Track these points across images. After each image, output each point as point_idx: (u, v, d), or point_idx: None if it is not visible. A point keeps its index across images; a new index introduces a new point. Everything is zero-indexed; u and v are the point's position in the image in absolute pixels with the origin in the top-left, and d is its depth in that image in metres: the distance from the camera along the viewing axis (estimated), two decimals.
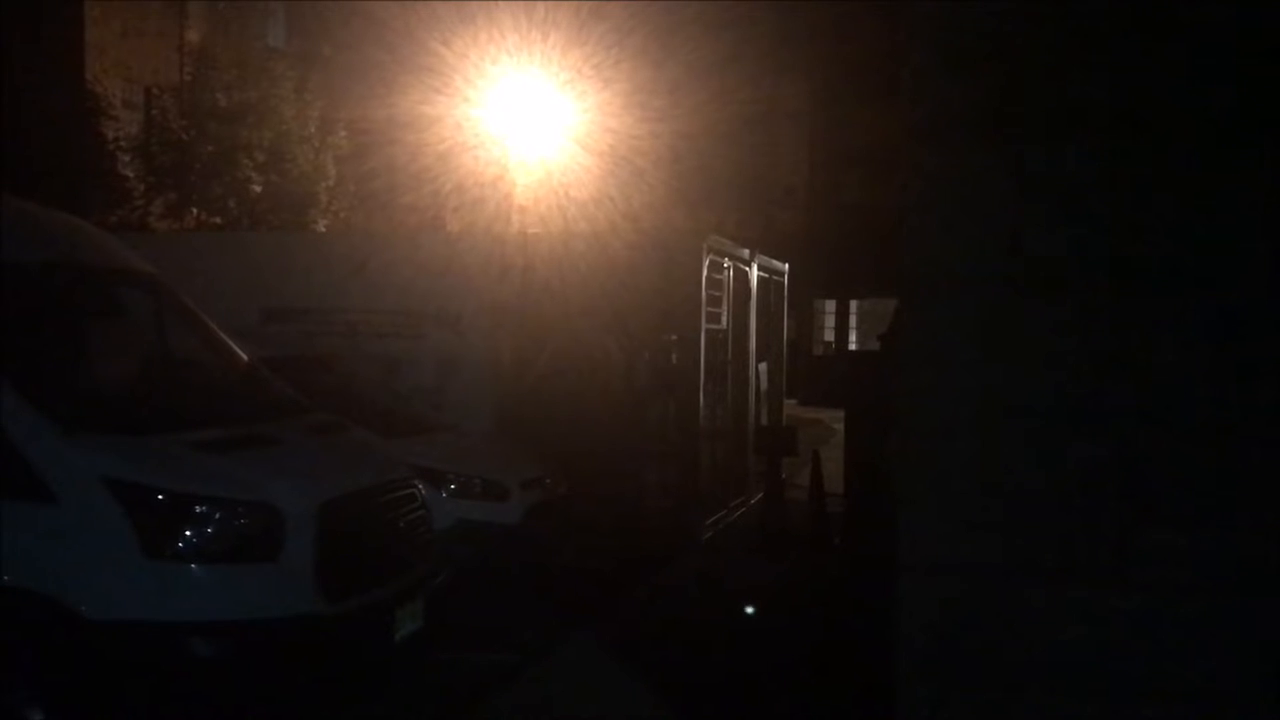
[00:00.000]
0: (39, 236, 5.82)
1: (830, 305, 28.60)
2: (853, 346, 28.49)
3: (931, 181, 3.08)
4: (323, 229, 21.07)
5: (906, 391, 3.08)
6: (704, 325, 10.36)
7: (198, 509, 4.65)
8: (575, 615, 7.28)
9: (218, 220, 20.72)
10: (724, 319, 10.96)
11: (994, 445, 2.96)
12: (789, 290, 13.97)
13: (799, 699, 5.79)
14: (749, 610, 7.11)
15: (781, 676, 6.14)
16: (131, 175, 20.98)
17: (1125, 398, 2.82)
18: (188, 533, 4.62)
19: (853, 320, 28.84)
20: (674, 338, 10.57)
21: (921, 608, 3.09)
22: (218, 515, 4.68)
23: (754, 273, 11.80)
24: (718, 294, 10.76)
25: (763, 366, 12.46)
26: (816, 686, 5.85)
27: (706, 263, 10.35)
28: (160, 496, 4.63)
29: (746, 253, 11.65)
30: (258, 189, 20.72)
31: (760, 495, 11.51)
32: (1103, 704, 2.96)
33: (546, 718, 5.65)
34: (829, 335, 28.85)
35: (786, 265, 13.44)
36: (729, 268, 11.03)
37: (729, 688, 5.99)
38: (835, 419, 20.67)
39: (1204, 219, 2.85)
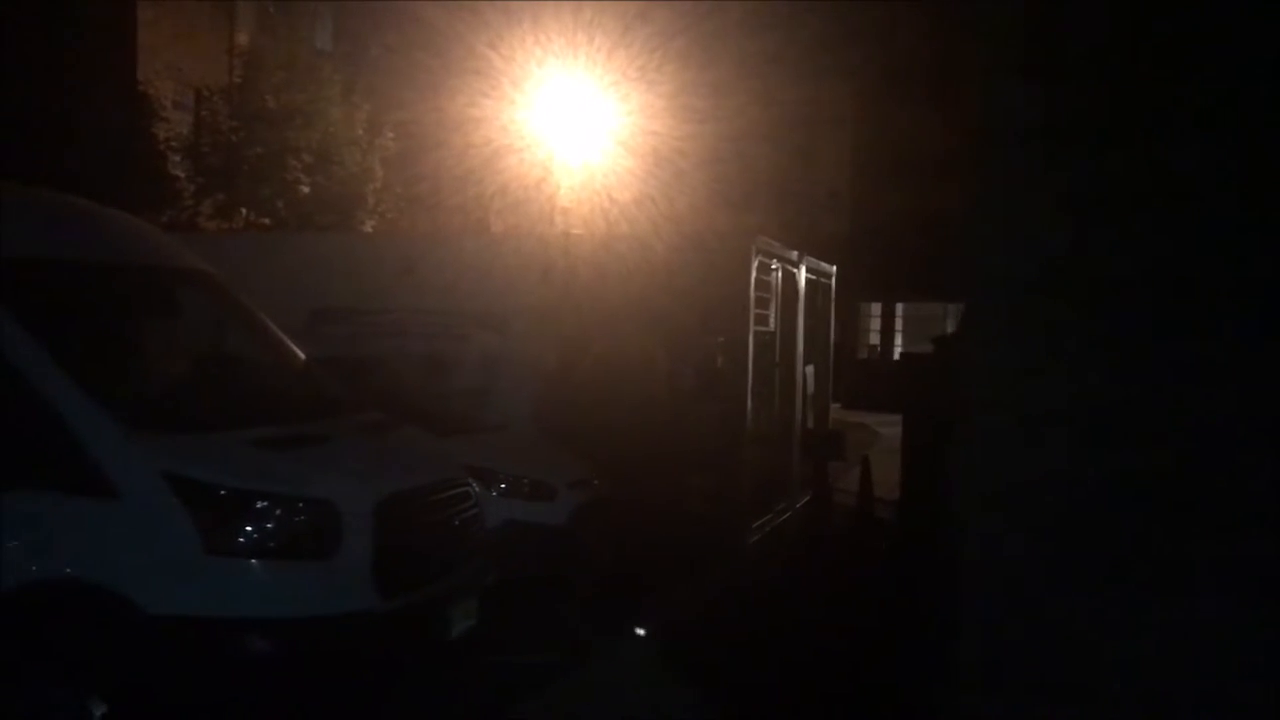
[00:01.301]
0: (100, 236, 5.91)
1: (875, 309, 28.43)
2: (898, 350, 28.30)
3: (995, 188, 3.05)
4: (369, 230, 21.23)
5: (964, 398, 3.06)
6: (752, 327, 10.32)
7: (258, 505, 4.70)
8: (620, 617, 7.27)
9: (266, 221, 20.94)
10: (772, 321, 10.91)
11: (1049, 453, 2.92)
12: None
13: (846, 704, 5.74)
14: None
15: (828, 682, 6.09)
16: (181, 176, 21.24)
17: (1185, 407, 2.78)
18: (248, 529, 4.66)
19: (898, 324, 28.65)
20: (720, 340, 10.53)
21: (979, 615, 3.06)
22: (277, 512, 4.72)
23: (802, 274, 11.75)
24: (766, 296, 10.71)
25: (809, 369, 12.39)
26: (864, 691, 5.80)
27: (755, 264, 10.30)
28: (221, 493, 4.67)
29: (795, 254, 11.60)
30: (305, 190, 20.92)
31: (806, 499, 11.45)
32: (1150, 713, 2.91)
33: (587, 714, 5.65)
34: (873, 339, 28.68)
35: (834, 268, 13.36)
36: (777, 269, 10.98)
37: (774, 692, 5.95)
38: (880, 423, 20.57)
39: (1267, 234, 2.80)
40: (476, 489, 5.99)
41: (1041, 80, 3.00)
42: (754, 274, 10.31)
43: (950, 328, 25.82)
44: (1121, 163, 2.83)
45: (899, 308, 28.59)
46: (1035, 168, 2.87)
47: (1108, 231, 2.84)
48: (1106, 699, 2.99)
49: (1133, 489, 2.76)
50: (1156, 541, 2.76)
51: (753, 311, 10.32)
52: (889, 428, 19.76)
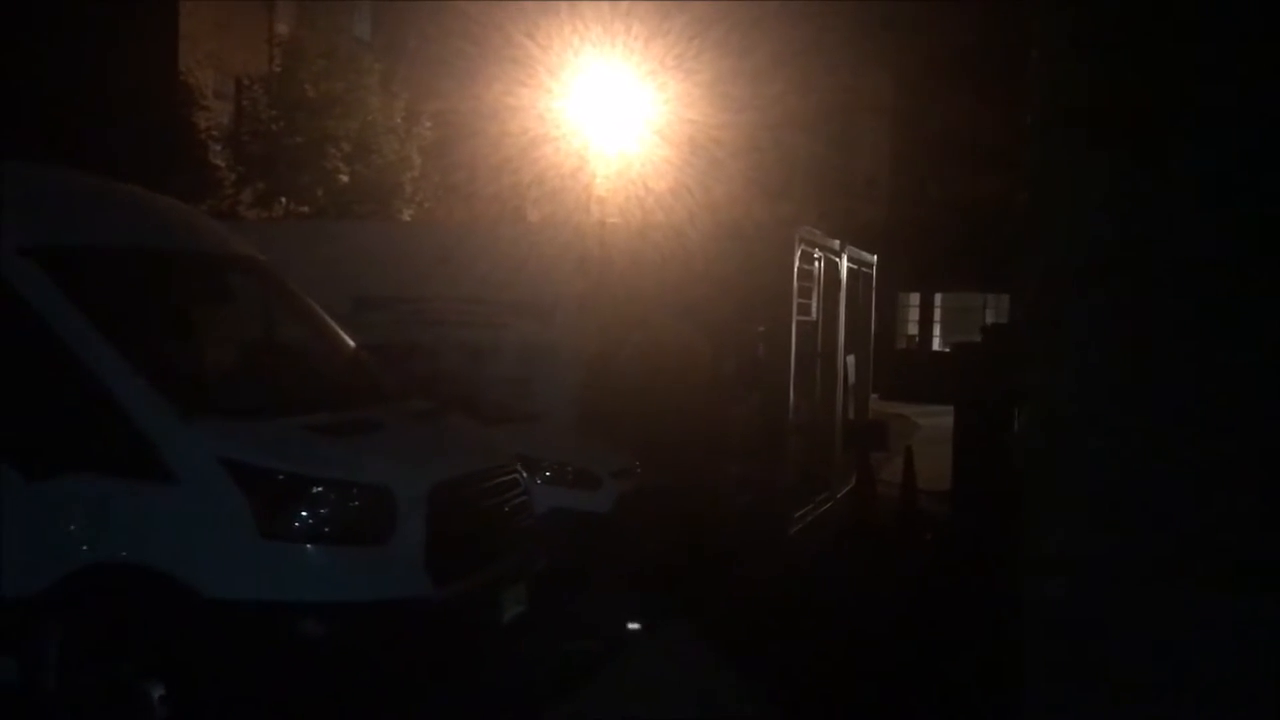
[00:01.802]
0: (154, 223, 5.96)
1: (913, 299, 28.23)
2: (936, 341, 28.09)
3: (1059, 174, 2.98)
4: (407, 219, 21.30)
5: (1032, 387, 3.00)
6: (795, 316, 10.26)
7: (314, 490, 4.72)
8: (664, 606, 7.26)
9: (305, 210, 21.04)
10: (814, 310, 10.85)
11: (1122, 442, 2.85)
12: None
13: (894, 694, 5.70)
14: None
15: (876, 672, 6.06)
16: (222, 165, 21.38)
17: (1267, 396, 2.71)
18: (304, 514, 4.68)
19: (936, 314, 28.44)
20: (762, 329, 10.49)
21: (1045, 606, 3.00)
22: (333, 497, 4.74)
23: (844, 264, 11.68)
24: (808, 285, 10.65)
25: (851, 359, 12.32)
26: (914, 682, 5.76)
27: (799, 253, 10.24)
28: (278, 478, 4.70)
29: (837, 244, 11.53)
30: (344, 179, 21.00)
31: (847, 489, 11.39)
32: (1227, 711, 2.85)
33: (633, 706, 5.64)
34: (912, 329, 28.48)
35: (875, 257, 13.27)
36: (820, 259, 10.92)
37: (822, 680, 5.92)
38: (919, 414, 20.46)
39: None
40: (525, 475, 5.99)
41: (1092, 56, 2.92)
42: (797, 263, 10.25)
43: (990, 318, 25.65)
44: (1213, 142, 2.77)
45: (937, 298, 28.37)
46: (1106, 151, 2.80)
47: (1191, 216, 2.77)
48: (1179, 698, 2.93)
49: (1215, 477, 2.71)
50: (1239, 534, 2.71)
51: (795, 301, 10.27)
52: (928, 418, 19.67)
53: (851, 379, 12.48)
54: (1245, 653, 2.84)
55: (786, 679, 5.89)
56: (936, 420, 18.74)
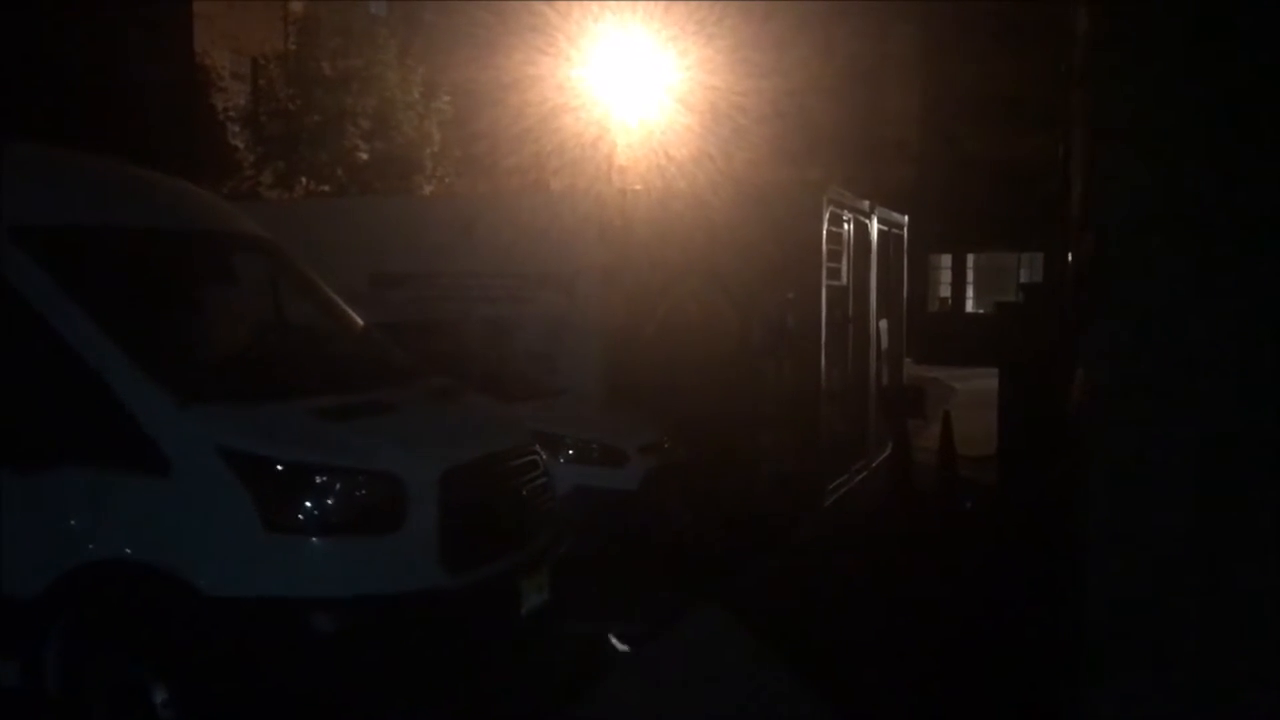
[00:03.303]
0: (155, 202, 5.73)
1: (945, 260, 27.76)
2: (969, 303, 27.66)
3: (1123, 114, 2.67)
4: (428, 194, 21.10)
5: (1098, 349, 2.70)
6: (824, 281, 9.93)
7: (318, 479, 4.47)
8: (699, 583, 7.02)
9: (326, 188, 20.88)
10: (844, 274, 10.51)
11: (1208, 406, 2.57)
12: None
13: (944, 672, 5.42)
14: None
15: (921, 646, 5.79)
16: (241, 145, 21.24)
17: None
18: (308, 504, 4.43)
19: (969, 275, 27.98)
20: (791, 295, 10.16)
21: (1115, 580, 2.73)
22: (338, 486, 4.49)
23: (874, 226, 11.31)
24: (837, 249, 10.31)
25: (883, 324, 11.98)
26: (969, 660, 5.48)
27: (827, 215, 9.90)
28: (279, 467, 4.45)
29: (867, 205, 11.16)
30: (364, 156, 20.81)
31: (884, 458, 11.08)
32: None
33: (674, 689, 5.42)
34: (944, 291, 28.03)
35: (906, 218, 12.88)
36: (849, 221, 10.57)
37: (864, 658, 5.66)
38: (953, 377, 20.07)
39: None
40: (545, 456, 5.72)
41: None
42: (826, 225, 9.91)
43: (1024, 277, 25.18)
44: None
45: (969, 259, 27.90)
46: (1175, 86, 2.48)
47: (1267, 162, 2.45)
48: (1265, 672, 2.65)
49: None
50: None
51: (825, 265, 9.94)
52: (963, 382, 19.30)
53: (885, 344, 12.14)
54: None
55: (826, 660, 5.63)
56: (972, 384, 18.38)
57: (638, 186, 16.22)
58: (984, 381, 17.54)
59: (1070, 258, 4.54)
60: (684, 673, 5.66)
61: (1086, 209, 2.97)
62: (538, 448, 5.62)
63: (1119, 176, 2.51)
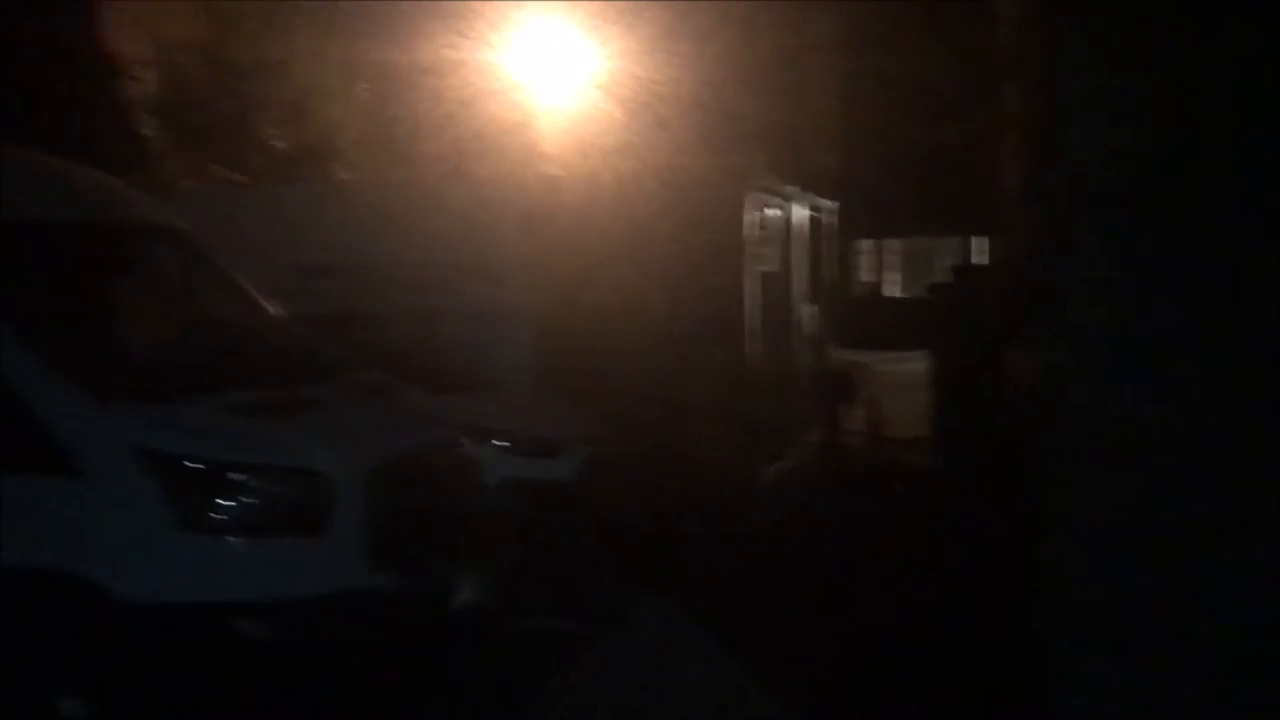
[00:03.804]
0: (64, 193, 5.49)
1: (867, 245, 28.04)
2: (891, 287, 27.96)
3: (1077, 83, 2.63)
4: (349, 182, 20.73)
5: (1055, 331, 2.67)
6: (751, 268, 9.93)
7: (237, 478, 4.32)
8: (636, 575, 6.96)
9: (243, 178, 20.41)
10: (770, 260, 10.52)
11: (1169, 389, 2.54)
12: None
13: (891, 657, 5.43)
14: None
15: (862, 632, 5.79)
16: (153, 135, 20.66)
17: None
18: (228, 504, 4.28)
19: (890, 260, 28.30)
20: (718, 282, 10.15)
21: (1075, 568, 2.71)
22: (260, 485, 4.35)
23: (799, 212, 11.34)
24: (763, 234, 10.31)
25: (809, 308, 12.03)
26: (920, 648, 5.48)
27: (753, 202, 9.89)
28: (197, 466, 4.29)
29: (792, 190, 11.18)
30: (282, 145, 20.38)
31: (813, 443, 11.13)
32: (1250, 675, 2.59)
33: (612, 686, 5.35)
34: (866, 276, 28.32)
35: (831, 204, 12.94)
36: (775, 206, 10.58)
37: (811, 647, 5.64)
38: (877, 361, 20.23)
39: None
40: (476, 449, 5.61)
41: None
42: (752, 212, 9.90)
43: (944, 261, 25.50)
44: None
45: (892, 244, 28.21)
46: (1131, 55, 2.45)
47: (1228, 129, 2.42)
48: (1232, 661, 2.65)
49: (1263, 432, 2.39)
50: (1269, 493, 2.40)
51: (751, 251, 9.93)
52: (887, 366, 19.49)
53: (811, 329, 12.19)
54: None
55: (767, 653, 5.61)
56: (895, 368, 18.56)
57: (562, 174, 16.12)
58: (907, 365, 17.71)
59: (1006, 238, 4.51)
60: (623, 669, 5.59)
61: (1030, 188, 2.91)
62: (470, 443, 5.51)
63: (1078, 149, 2.47)
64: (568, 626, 6.12)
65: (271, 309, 5.85)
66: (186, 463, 4.28)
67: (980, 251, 25.83)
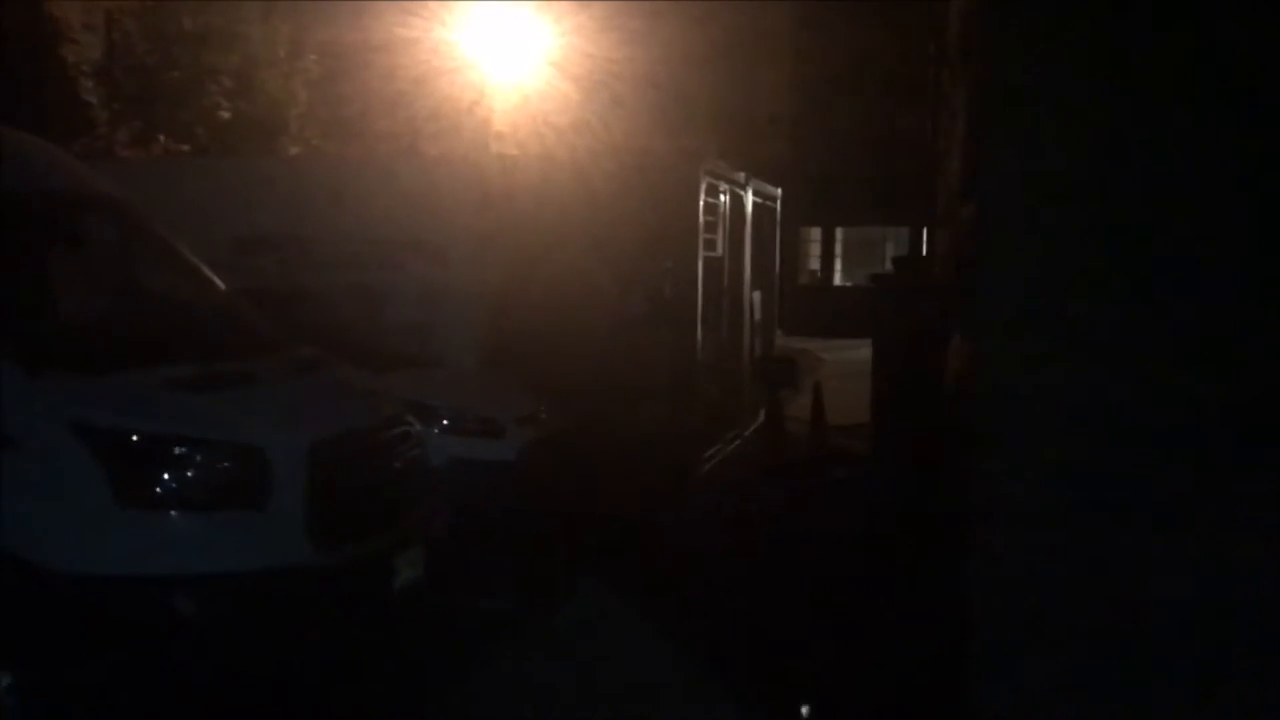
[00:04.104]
0: None
1: (815, 234, 28.20)
2: (838, 275, 28.17)
3: (1008, 78, 2.66)
4: (294, 156, 20.44)
5: (986, 319, 2.71)
6: (701, 252, 9.96)
7: (175, 452, 4.25)
8: (576, 555, 6.97)
9: (185, 148, 20.05)
10: (719, 246, 10.57)
11: (1092, 379, 2.60)
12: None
13: (817, 642, 5.49)
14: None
15: (797, 617, 5.85)
16: (94, 102, 20.21)
17: (1265, 330, 2.46)
18: (165, 478, 4.21)
19: (837, 248, 28.49)
20: (668, 265, 10.17)
21: (999, 556, 2.75)
22: (198, 459, 4.28)
23: (749, 198, 11.39)
24: (714, 220, 10.35)
25: (757, 295, 12.10)
26: (843, 632, 5.56)
27: (704, 187, 9.92)
28: (134, 439, 4.22)
29: (742, 177, 11.23)
30: (226, 116, 20.04)
31: (756, 427, 11.21)
32: (1204, 660, 2.65)
33: (554, 665, 5.37)
34: (813, 264, 28.50)
35: (779, 191, 13.01)
36: (725, 193, 10.61)
37: (742, 629, 5.69)
38: (822, 349, 20.43)
39: None
40: (419, 428, 5.58)
41: None
42: (703, 197, 9.92)
43: (890, 251, 25.71)
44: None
45: (838, 232, 28.40)
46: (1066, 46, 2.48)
47: (1171, 129, 2.46)
48: (1154, 645, 2.70)
49: (1196, 418, 2.44)
50: (1219, 476, 2.45)
51: (702, 236, 9.96)
52: (832, 353, 19.66)
53: (758, 315, 12.27)
54: (1237, 604, 2.63)
55: (702, 632, 5.65)
56: (840, 355, 18.73)
57: (515, 153, 16.02)
58: (852, 353, 17.88)
59: (944, 229, 4.56)
60: (562, 645, 5.61)
61: (967, 179, 2.95)
62: (412, 420, 5.47)
63: (1011, 143, 2.50)
64: (504, 604, 6.12)
65: (215, 280, 5.75)
66: (124, 436, 4.20)
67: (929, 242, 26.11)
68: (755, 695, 4.92)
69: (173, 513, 4.25)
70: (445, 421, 7.68)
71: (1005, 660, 2.69)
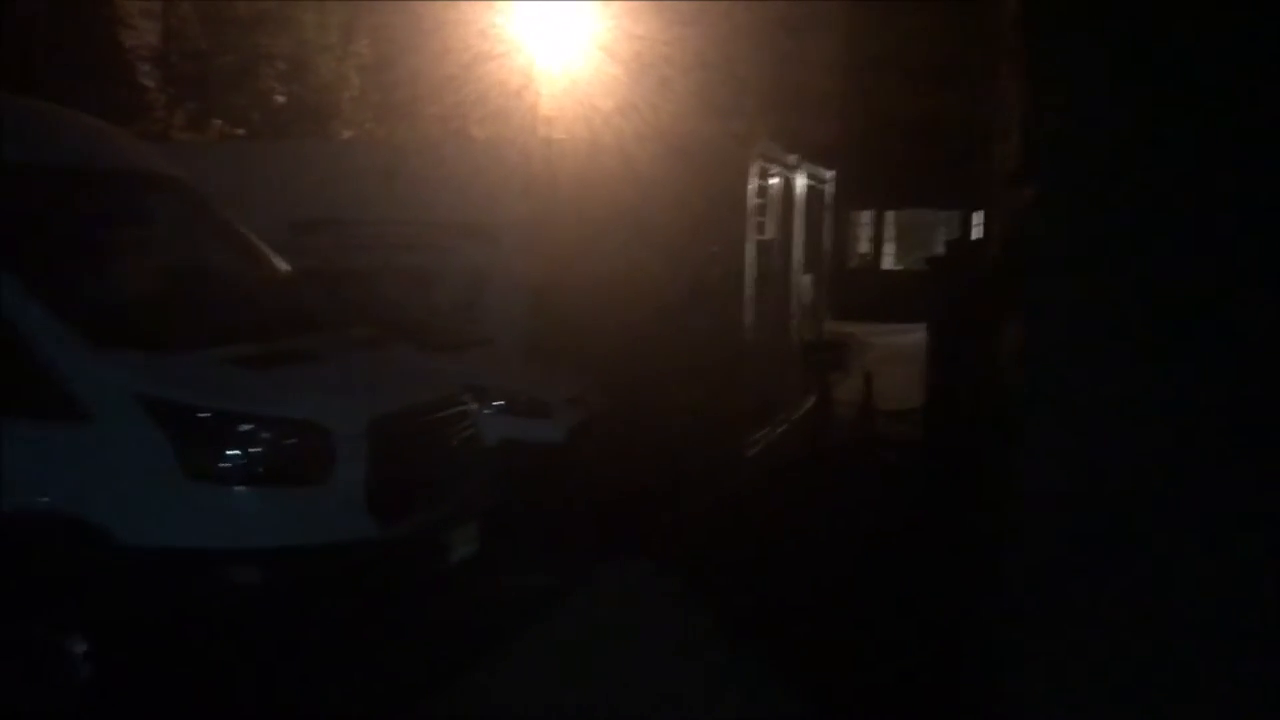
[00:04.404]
0: (64, 139, 5.49)
1: (865, 217, 27.99)
2: (888, 259, 27.95)
3: (1066, 60, 2.66)
4: (347, 139, 20.64)
5: (1039, 303, 2.71)
6: (751, 236, 9.96)
7: (241, 428, 4.36)
8: (622, 536, 7.04)
9: (240, 132, 20.31)
10: (769, 229, 10.55)
11: (1144, 368, 2.60)
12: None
13: (857, 623, 5.51)
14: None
15: (839, 600, 5.87)
16: (152, 86, 20.52)
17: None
18: (231, 454, 4.33)
19: (889, 232, 28.26)
20: (716, 249, 10.18)
21: (1035, 541, 2.76)
22: (263, 435, 4.39)
23: (800, 181, 11.35)
24: (764, 203, 10.34)
25: (807, 278, 12.07)
26: (878, 611, 5.58)
27: (756, 170, 9.91)
28: (202, 415, 4.33)
29: (794, 159, 11.19)
30: (280, 99, 20.27)
31: (805, 411, 11.20)
32: (1235, 651, 2.65)
33: (599, 639, 5.44)
34: (863, 248, 28.30)
35: (832, 174, 12.95)
36: (776, 175, 10.59)
37: (781, 612, 5.72)
38: (871, 333, 20.31)
39: None
40: (474, 407, 5.66)
41: None
42: (754, 180, 9.91)
43: (945, 234, 25.48)
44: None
45: (889, 215, 28.17)
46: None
47: (1201, 115, 2.46)
48: (1184, 635, 2.71)
49: (1237, 406, 2.43)
50: (1259, 466, 2.45)
51: (752, 219, 9.96)
52: (880, 338, 19.54)
53: (807, 299, 12.24)
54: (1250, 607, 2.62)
55: (748, 613, 5.69)
56: (889, 340, 18.61)
57: (563, 137, 16.06)
58: (901, 338, 17.77)
59: (997, 212, 4.56)
60: (609, 623, 5.67)
61: (1023, 162, 2.96)
62: (467, 398, 5.56)
63: (1071, 124, 2.50)
64: (550, 581, 6.20)
65: (275, 260, 5.87)
66: (192, 412, 4.32)
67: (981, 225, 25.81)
68: (788, 677, 4.95)
69: (238, 487, 4.36)
70: (496, 402, 7.77)
71: (1043, 652, 2.71)
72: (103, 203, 5.50)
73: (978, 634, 3.62)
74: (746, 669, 5.06)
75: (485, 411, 7.48)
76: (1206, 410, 2.57)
